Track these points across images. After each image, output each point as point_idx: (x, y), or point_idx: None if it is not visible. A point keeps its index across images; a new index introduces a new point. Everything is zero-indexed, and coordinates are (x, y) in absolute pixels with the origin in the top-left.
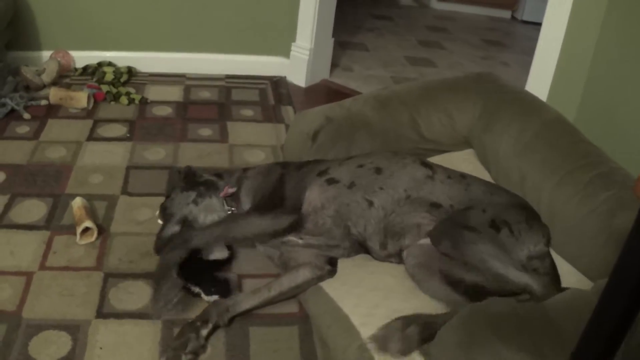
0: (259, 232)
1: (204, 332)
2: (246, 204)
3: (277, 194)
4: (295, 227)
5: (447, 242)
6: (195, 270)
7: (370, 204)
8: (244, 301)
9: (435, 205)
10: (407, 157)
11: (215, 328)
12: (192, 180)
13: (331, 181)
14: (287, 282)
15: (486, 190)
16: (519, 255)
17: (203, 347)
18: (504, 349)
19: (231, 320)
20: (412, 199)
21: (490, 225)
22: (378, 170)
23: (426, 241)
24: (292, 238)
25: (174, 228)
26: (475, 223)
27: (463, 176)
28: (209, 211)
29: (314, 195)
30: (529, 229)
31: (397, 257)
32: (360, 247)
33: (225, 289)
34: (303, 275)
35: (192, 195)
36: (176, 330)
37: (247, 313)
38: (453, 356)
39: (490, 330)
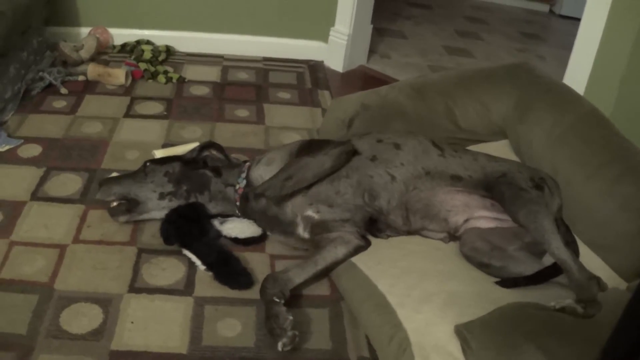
0: (316, 169)
1: (284, 308)
2: (264, 174)
3: (315, 141)
4: (350, 155)
5: (509, 202)
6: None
7: (393, 178)
8: (295, 276)
9: (456, 178)
10: (419, 136)
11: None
12: (186, 172)
13: (354, 152)
14: (330, 257)
15: (489, 158)
16: (552, 209)
17: (293, 320)
18: None
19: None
20: (432, 174)
21: (533, 185)
22: (397, 146)
23: (477, 224)
24: (309, 213)
25: (114, 196)
26: (524, 185)
27: (465, 150)
28: (165, 209)
29: None
30: (555, 184)
31: (418, 233)
32: (370, 224)
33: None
34: (341, 250)
35: (168, 188)
36: (208, 308)
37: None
38: (491, 356)
39: (534, 340)
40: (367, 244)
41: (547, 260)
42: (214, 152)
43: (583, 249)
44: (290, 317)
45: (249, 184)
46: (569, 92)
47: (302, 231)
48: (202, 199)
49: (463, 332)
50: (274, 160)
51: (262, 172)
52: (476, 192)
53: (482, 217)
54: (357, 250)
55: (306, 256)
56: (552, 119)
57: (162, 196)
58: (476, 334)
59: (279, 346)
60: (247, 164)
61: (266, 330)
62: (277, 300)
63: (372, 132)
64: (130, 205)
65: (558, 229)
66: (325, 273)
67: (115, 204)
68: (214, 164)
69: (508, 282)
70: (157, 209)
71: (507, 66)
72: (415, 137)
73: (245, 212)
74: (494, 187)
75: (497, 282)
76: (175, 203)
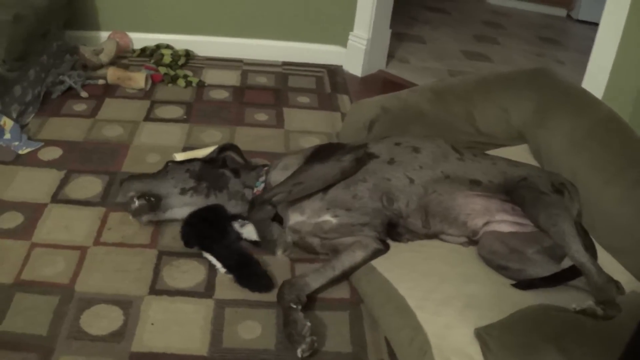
0: (326, 176)
1: (301, 314)
2: (280, 179)
3: (329, 145)
4: (362, 162)
5: (529, 205)
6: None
7: (412, 181)
8: (312, 281)
9: (475, 183)
10: (438, 140)
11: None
12: (207, 170)
13: (371, 155)
14: (348, 261)
15: (509, 163)
16: (572, 213)
17: (311, 326)
18: None
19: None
20: (452, 179)
21: (554, 190)
22: (415, 150)
23: (496, 227)
24: (326, 217)
25: (135, 192)
26: (544, 188)
27: (484, 154)
28: (190, 206)
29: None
30: (575, 189)
31: (438, 237)
32: (389, 228)
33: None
34: (359, 254)
35: (189, 183)
36: (228, 310)
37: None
38: (511, 358)
39: (553, 342)
40: (386, 247)
41: (566, 265)
42: (232, 154)
43: (602, 253)
44: (308, 324)
45: (267, 188)
46: (589, 96)
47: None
48: (221, 197)
49: (483, 335)
50: (290, 166)
51: (280, 177)
52: (496, 196)
53: (502, 221)
54: (376, 254)
55: (326, 259)
56: (571, 124)
57: (183, 191)
58: (496, 336)
59: (298, 353)
60: (266, 168)
61: (285, 336)
62: (294, 306)
63: (390, 135)
64: (153, 204)
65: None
66: (343, 277)
67: (137, 204)
68: (233, 165)
69: (524, 283)
70: (179, 206)
71: (527, 71)
72: (434, 141)
73: (251, 219)
74: (514, 191)
75: (513, 284)
76: (196, 199)
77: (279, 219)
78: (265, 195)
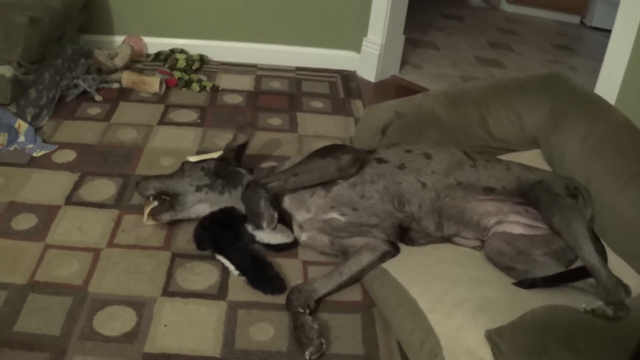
0: (322, 171)
1: (309, 317)
2: None
3: (333, 145)
4: (361, 163)
5: (544, 206)
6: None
7: (424, 185)
8: (321, 286)
9: (489, 190)
10: (450, 147)
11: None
12: (222, 168)
13: (380, 160)
14: (355, 265)
15: (524, 168)
16: (586, 217)
17: (318, 329)
18: None
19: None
20: (465, 185)
21: (568, 194)
22: (427, 156)
23: (507, 228)
24: (334, 215)
25: (153, 190)
26: (559, 191)
27: (498, 159)
28: (206, 202)
29: (364, 169)
30: (588, 195)
31: (451, 240)
32: (401, 232)
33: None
34: (366, 257)
35: (204, 180)
36: (241, 312)
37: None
38: (522, 359)
39: (565, 343)
40: (396, 250)
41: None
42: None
43: (613, 257)
44: (316, 326)
45: None
46: (602, 102)
47: (265, 225)
48: (234, 194)
49: (494, 337)
50: (294, 163)
51: None
52: (509, 199)
53: (514, 222)
54: (384, 256)
55: (337, 262)
56: (585, 129)
57: (198, 188)
58: (507, 338)
59: (306, 355)
60: (268, 169)
61: (294, 340)
62: (302, 310)
63: (399, 143)
64: (172, 203)
65: None
66: (353, 281)
67: (155, 203)
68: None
69: (527, 282)
70: (196, 203)
71: (541, 76)
72: (446, 148)
73: (243, 198)
74: (530, 193)
75: (515, 283)
76: (211, 196)
77: (281, 220)
78: (261, 179)
